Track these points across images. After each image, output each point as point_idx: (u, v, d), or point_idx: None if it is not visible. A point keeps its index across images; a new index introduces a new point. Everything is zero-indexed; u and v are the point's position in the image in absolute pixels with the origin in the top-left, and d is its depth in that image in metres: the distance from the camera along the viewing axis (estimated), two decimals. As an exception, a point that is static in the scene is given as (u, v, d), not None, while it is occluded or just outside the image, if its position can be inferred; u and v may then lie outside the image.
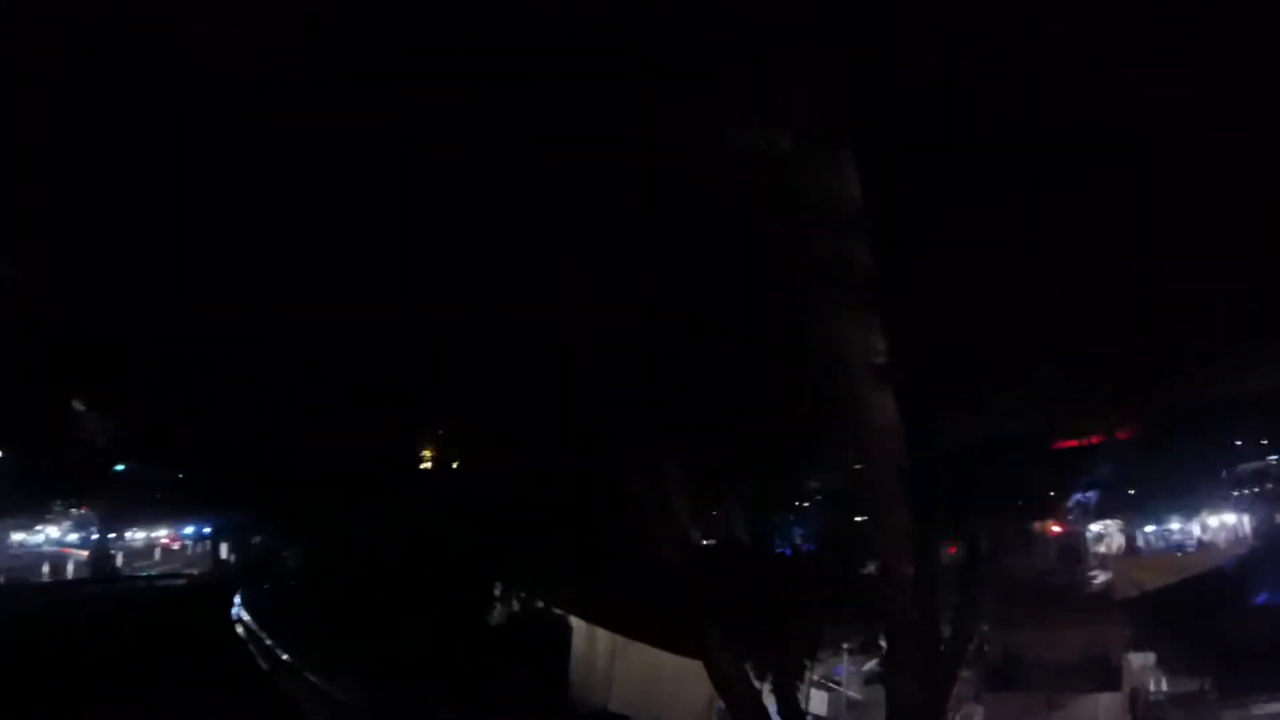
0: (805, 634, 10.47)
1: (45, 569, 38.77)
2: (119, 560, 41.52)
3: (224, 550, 42.79)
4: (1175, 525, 28.10)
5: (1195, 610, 17.56)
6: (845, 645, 17.33)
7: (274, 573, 33.62)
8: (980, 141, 6.51)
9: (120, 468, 29.75)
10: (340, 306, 8.89)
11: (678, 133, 6.32)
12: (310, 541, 30.35)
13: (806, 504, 10.37)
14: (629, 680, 16.24)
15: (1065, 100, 6.12)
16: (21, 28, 5.45)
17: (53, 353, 14.45)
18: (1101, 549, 26.95)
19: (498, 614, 23.12)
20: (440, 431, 17.72)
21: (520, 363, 9.25)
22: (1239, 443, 17.74)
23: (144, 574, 41.17)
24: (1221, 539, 26.66)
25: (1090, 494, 20.13)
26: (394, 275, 8.32)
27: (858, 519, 10.06)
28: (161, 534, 46.01)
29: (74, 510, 37.89)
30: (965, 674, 11.91)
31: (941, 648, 8.83)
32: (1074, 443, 10.44)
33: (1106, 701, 14.46)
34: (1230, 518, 26.50)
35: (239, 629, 24.99)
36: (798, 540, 10.84)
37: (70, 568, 39.57)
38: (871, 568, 11.77)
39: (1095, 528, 26.74)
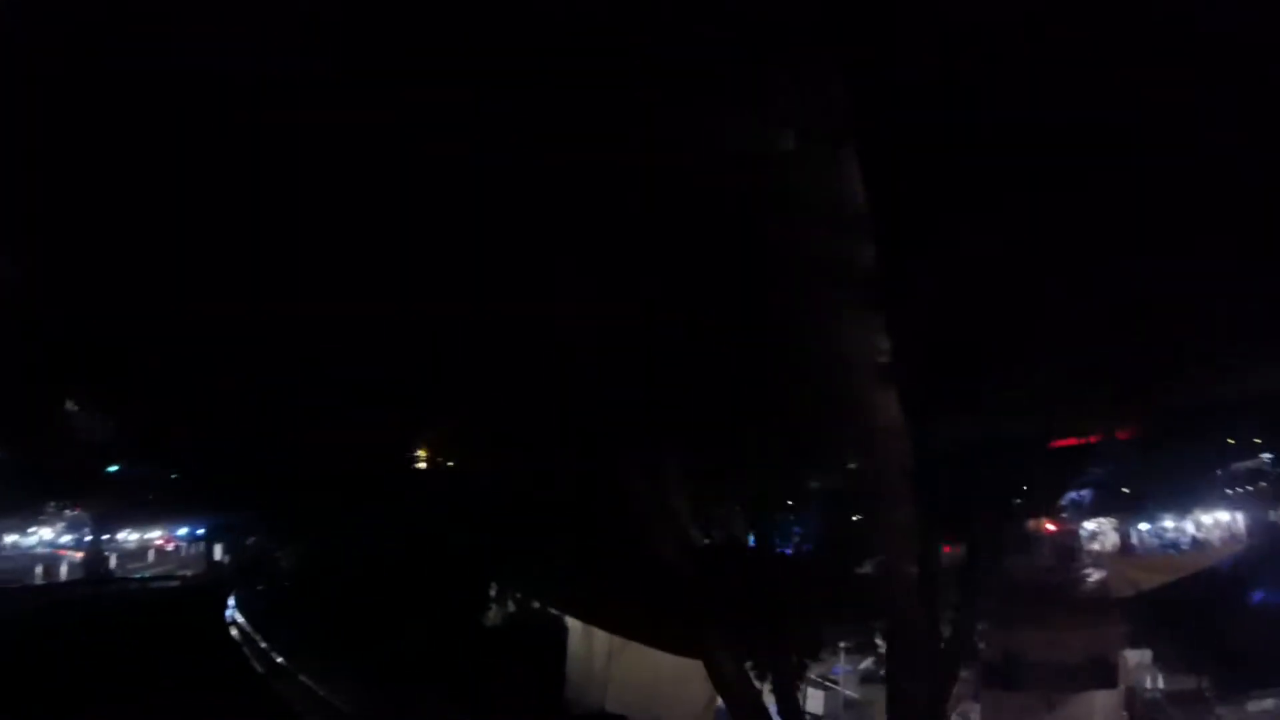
0: (805, 634, 10.47)
1: (39, 571, 38.68)
2: (112, 562, 41.39)
3: (218, 551, 42.68)
4: (1169, 523, 28.18)
5: (1191, 608, 17.64)
6: (842, 644, 17.40)
7: (268, 574, 33.57)
8: (980, 141, 6.52)
9: (114, 468, 29.64)
10: (339, 306, 8.87)
11: (678, 133, 6.32)
12: (305, 542, 30.31)
13: (807, 504, 10.36)
14: (626, 681, 16.25)
15: (1065, 100, 6.13)
16: (21, 28, 5.43)
17: (45, 353, 14.40)
18: (1095, 547, 27.02)
19: (494, 614, 23.13)
20: (437, 431, 17.67)
21: (519, 362, 9.25)
22: (1233, 441, 17.75)
23: (137, 576, 41.10)
24: (1216, 537, 26.75)
25: (1084, 492, 20.19)
26: (393, 275, 8.31)
27: (856, 518, 10.11)
28: (155, 535, 45.90)
29: (67, 512, 37.75)
30: (963, 673, 11.92)
31: (942, 647, 8.87)
32: (1071, 441, 10.45)
33: (1103, 699, 14.53)
34: (1224, 516, 26.57)
35: (233, 631, 24.97)
36: (797, 539, 10.83)
37: (64, 570, 39.46)
38: (868, 567, 11.84)
39: (1089, 526, 26.81)
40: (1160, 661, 16.73)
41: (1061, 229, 6.74)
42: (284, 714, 16.36)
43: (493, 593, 23.18)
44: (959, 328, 7.49)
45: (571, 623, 18.30)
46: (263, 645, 21.80)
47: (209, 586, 33.93)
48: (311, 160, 6.87)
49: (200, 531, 43.47)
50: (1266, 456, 20.72)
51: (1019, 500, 10.87)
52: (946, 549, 11.45)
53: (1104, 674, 14.57)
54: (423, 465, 19.74)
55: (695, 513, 9.25)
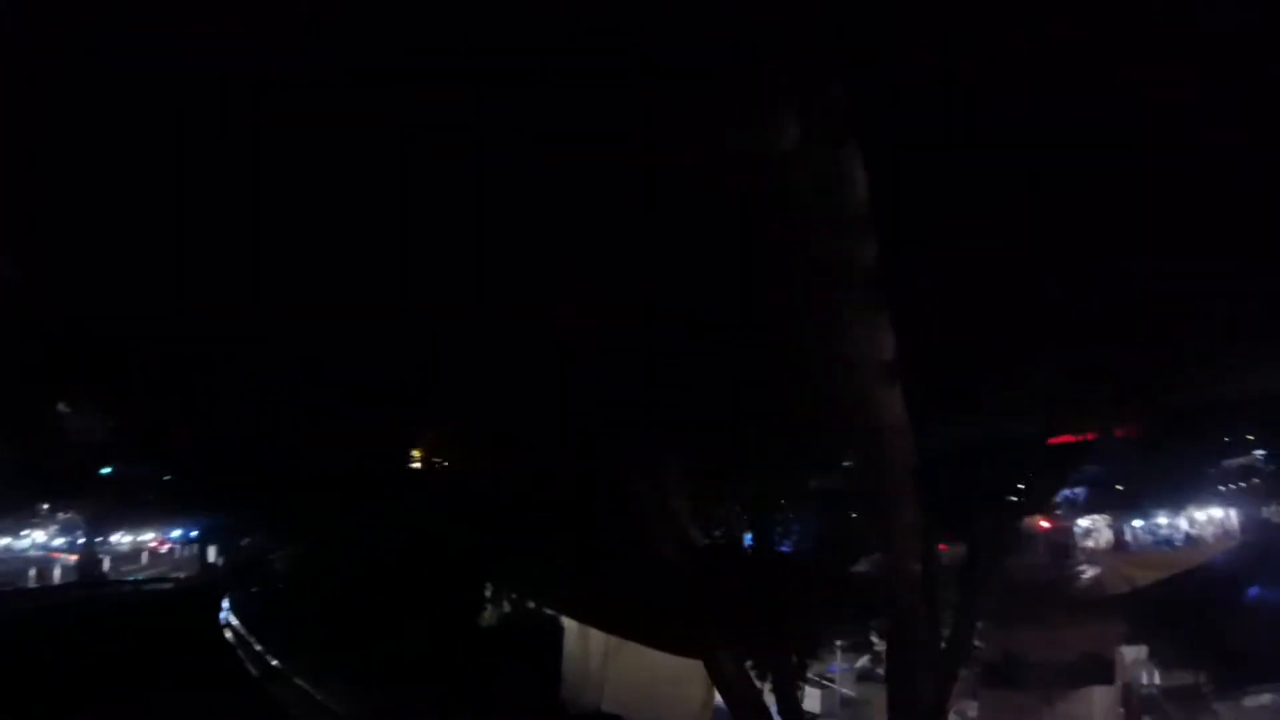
0: (805, 633, 10.49)
1: (32, 574, 38.55)
2: (106, 565, 41.25)
3: (212, 553, 42.58)
4: (1163, 520, 28.29)
5: (1187, 604, 17.72)
6: (838, 643, 17.47)
7: (262, 576, 33.55)
8: (980, 141, 6.53)
9: (107, 470, 29.54)
10: (337, 306, 8.85)
11: (678, 133, 6.32)
12: (299, 544, 30.28)
13: (807, 504, 10.38)
14: (622, 681, 16.28)
15: (1065, 100, 6.14)
16: (21, 28, 5.41)
17: (38, 353, 14.34)
18: (1089, 544, 27.12)
19: (490, 615, 23.14)
20: (435, 432, 17.65)
21: (519, 363, 9.23)
22: (1226, 439, 17.84)
23: (131, 578, 40.96)
24: (1209, 534, 26.87)
25: (1078, 489, 20.27)
26: (392, 275, 8.29)
27: (855, 517, 10.14)
28: (149, 537, 45.75)
29: (60, 514, 37.61)
30: (960, 671, 11.95)
31: (943, 645, 8.88)
32: (1068, 438, 10.47)
33: (1100, 695, 14.60)
34: (1217, 513, 26.68)
35: (228, 634, 24.94)
36: (796, 539, 10.85)
37: (57, 572, 39.32)
38: (864, 566, 11.87)
39: (1083, 523, 26.91)
40: (1156, 658, 16.80)
41: (1061, 229, 6.76)
42: (278, 717, 16.35)
43: (488, 593, 23.19)
44: (958, 327, 7.51)
45: (567, 623, 18.34)
46: (257, 648, 21.79)
47: (203, 589, 33.88)
48: (311, 160, 6.85)
49: (194, 534, 43.35)
50: (1259, 453, 20.82)
51: (1017, 498, 10.90)
52: (944, 547, 11.50)
53: (1101, 671, 14.63)
54: (419, 465, 19.73)
55: (695, 513, 9.25)
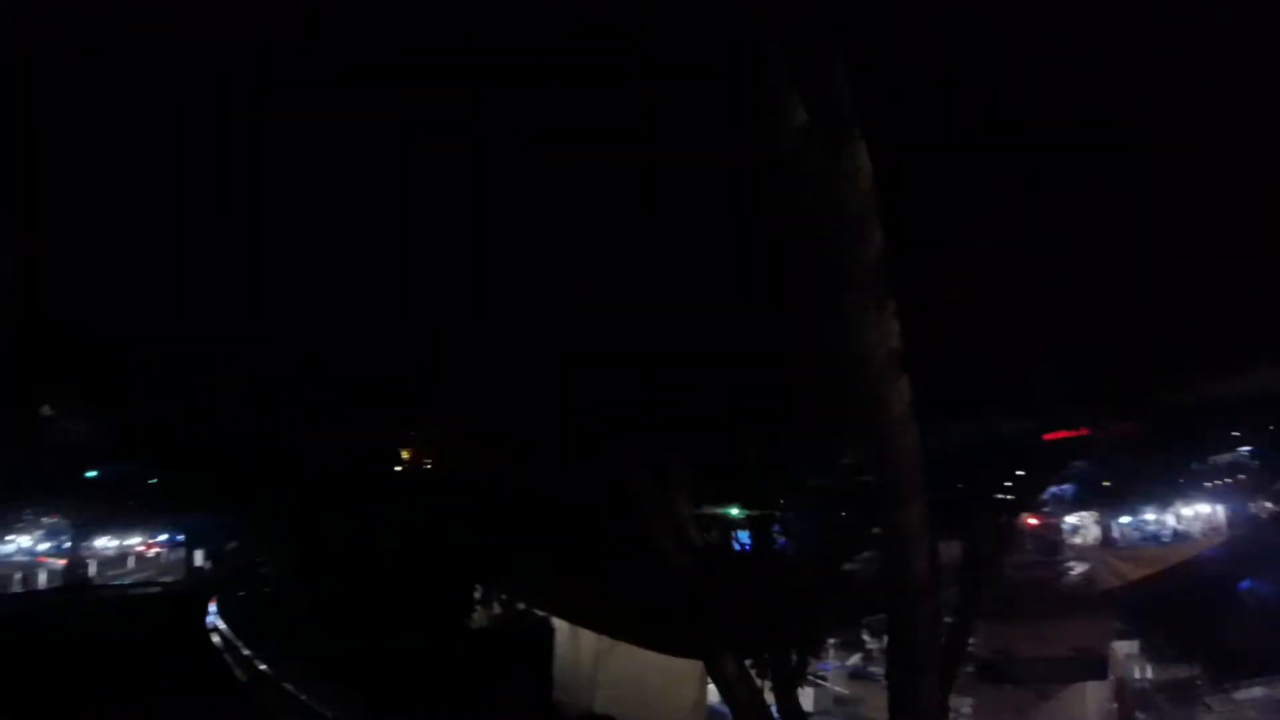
0: (805, 632, 10.51)
1: (17, 579, 38.26)
2: (92, 569, 40.91)
3: (198, 557, 42.30)
4: (1150, 516, 28.48)
5: (1178, 599, 17.86)
6: (831, 641, 17.51)
7: (249, 579, 33.38)
8: (979, 141, 6.56)
9: (92, 474, 29.29)
10: (335, 306, 8.82)
11: (678, 133, 6.33)
12: (287, 547, 30.14)
13: (807, 503, 10.39)
14: (614, 682, 16.25)
15: (1065, 100, 6.17)
16: (21, 28, 5.36)
17: (23, 355, 14.21)
18: (1077, 541, 27.27)
19: (480, 617, 23.11)
20: (430, 433, 17.60)
21: (520, 363, 9.22)
22: (1212, 436, 17.99)
23: (117, 583, 40.64)
24: (1197, 530, 27.07)
25: (1066, 486, 20.39)
26: (392, 275, 8.27)
27: (853, 516, 10.16)
28: (135, 541, 45.39)
29: (45, 519, 37.28)
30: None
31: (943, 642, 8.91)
32: (1060, 434, 10.53)
33: (1093, 690, 14.69)
34: (1204, 508, 26.89)
35: (214, 638, 24.77)
36: (796, 539, 10.86)
37: (43, 577, 39.00)
38: (854, 565, 11.90)
39: (1071, 520, 27.06)
40: (1149, 653, 16.93)
41: (1061, 229, 6.80)
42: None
43: (478, 595, 23.16)
44: (957, 327, 7.53)
45: (558, 624, 18.30)
46: (245, 652, 21.64)
47: (189, 593, 33.60)
48: (312, 160, 6.82)
49: (180, 538, 43.05)
50: (1245, 450, 21.03)
51: (1014, 495, 10.95)
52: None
53: (1094, 666, 14.73)
54: (410, 467, 19.67)
55: (695, 512, 9.27)
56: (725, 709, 12.41)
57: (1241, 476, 22.62)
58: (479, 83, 6.22)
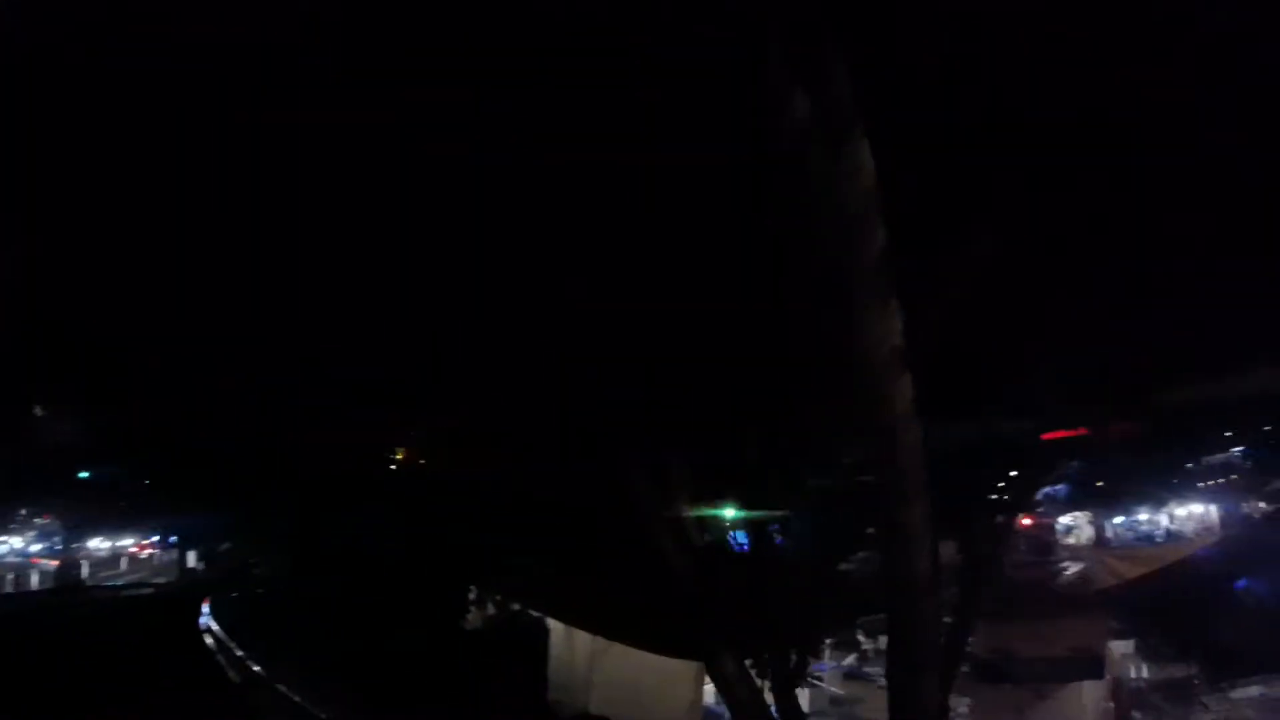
0: (805, 632, 10.52)
1: (10, 579, 38.13)
2: (84, 570, 40.76)
3: (191, 558, 42.16)
4: (1143, 516, 28.58)
5: (1173, 599, 17.92)
6: (827, 641, 17.53)
7: (243, 580, 33.29)
8: (978, 141, 6.56)
9: (84, 474, 29.15)
10: (333, 306, 8.80)
11: (678, 133, 6.32)
12: (281, 547, 30.05)
13: (808, 503, 10.40)
14: (610, 683, 16.25)
15: (1066, 100, 6.19)
16: (22, 28, 5.34)
17: (16, 355, 14.13)
18: (1071, 541, 27.36)
19: (474, 618, 23.07)
20: (422, 432, 17.54)
21: (520, 363, 9.20)
22: (1205, 436, 18.07)
23: (109, 584, 40.49)
24: (1189, 530, 27.18)
25: (1059, 487, 20.45)
26: (392, 275, 8.24)
27: (851, 516, 10.16)
28: (127, 542, 45.24)
29: (38, 520, 37.14)
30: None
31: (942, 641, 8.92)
32: (1059, 434, 10.55)
33: (1090, 690, 14.74)
34: (1197, 509, 27.01)
35: (208, 639, 24.69)
36: (796, 539, 10.87)
37: (35, 578, 38.87)
38: (850, 565, 11.92)
39: (1064, 520, 27.15)
40: (1145, 652, 16.99)
41: (1061, 229, 6.81)
42: (255, 720, 16.23)
43: (473, 596, 23.11)
44: (957, 327, 7.54)
45: (553, 625, 18.28)
46: (238, 653, 21.57)
47: (182, 594, 33.48)
48: (311, 160, 6.80)
49: (173, 539, 42.89)
50: (1237, 450, 21.12)
51: (1011, 495, 10.98)
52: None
53: (1090, 666, 14.78)
54: (410, 467, 19.59)
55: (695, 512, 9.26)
56: (721, 710, 12.43)
57: (1234, 477, 22.71)
58: (479, 83, 6.20)
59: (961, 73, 6.10)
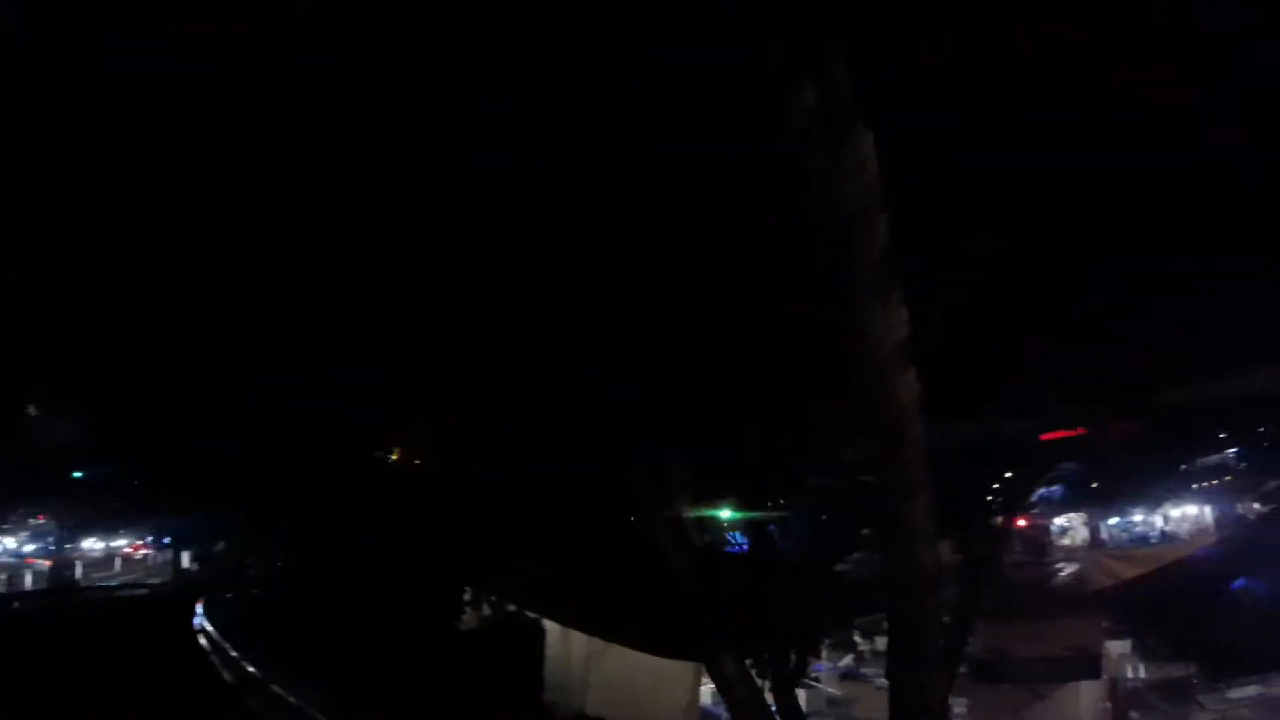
0: (804, 632, 10.52)
1: (3, 579, 38.02)
2: (79, 571, 40.67)
3: (185, 559, 42.09)
4: (1138, 517, 28.62)
5: (1170, 599, 17.95)
6: (825, 641, 17.54)
7: (237, 581, 33.24)
8: (978, 141, 6.57)
9: (78, 474, 29.07)
10: (332, 306, 8.78)
11: (678, 133, 6.32)
12: (276, 548, 30.00)
13: (808, 503, 10.41)
14: (606, 684, 16.24)
15: (1066, 100, 6.19)
16: (22, 28, 5.32)
17: (18, 355, 14.08)
18: (1066, 542, 27.39)
19: (469, 619, 23.04)
20: (420, 433, 17.51)
21: (520, 363, 9.19)
22: (1200, 437, 18.11)
23: (103, 584, 40.40)
24: (1184, 530, 27.23)
25: (1054, 488, 20.49)
26: (391, 275, 8.23)
27: (850, 516, 10.18)
28: (121, 543, 45.15)
29: (31, 520, 37.04)
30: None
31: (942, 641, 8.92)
32: (1058, 434, 10.56)
33: (1087, 690, 14.75)
34: (1192, 509, 27.05)
35: (202, 639, 24.63)
36: (796, 538, 10.89)
37: (28, 578, 38.77)
38: (846, 565, 11.93)
39: (1059, 521, 27.17)
40: (1142, 652, 17.02)
41: (1061, 229, 6.82)
42: (249, 720, 16.19)
43: (468, 597, 23.08)
44: (957, 327, 7.55)
45: (549, 626, 18.26)
46: (232, 654, 21.52)
47: (177, 594, 33.40)
48: (311, 160, 6.79)
49: (167, 539, 42.80)
50: (1231, 451, 21.16)
51: (1009, 495, 10.99)
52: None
53: (1087, 666, 14.80)
54: (409, 467, 19.57)
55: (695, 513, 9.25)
56: (717, 711, 12.43)
57: (1229, 477, 22.76)
58: (479, 83, 6.19)
59: (961, 73, 6.10)
